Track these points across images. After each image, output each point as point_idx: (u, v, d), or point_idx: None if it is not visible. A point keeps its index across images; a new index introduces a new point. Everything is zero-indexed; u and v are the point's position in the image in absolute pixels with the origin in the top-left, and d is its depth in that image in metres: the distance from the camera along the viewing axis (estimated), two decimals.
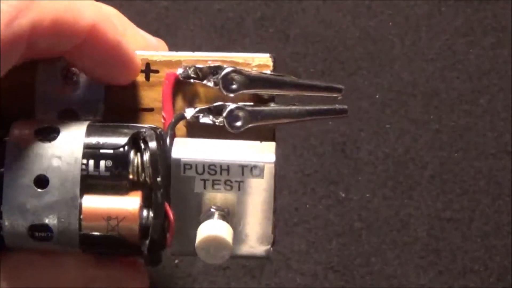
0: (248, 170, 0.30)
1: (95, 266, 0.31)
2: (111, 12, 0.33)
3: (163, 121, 0.32)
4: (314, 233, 0.45)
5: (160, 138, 0.31)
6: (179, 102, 0.33)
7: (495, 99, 0.48)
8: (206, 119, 0.32)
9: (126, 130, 0.30)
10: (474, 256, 0.45)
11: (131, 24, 0.34)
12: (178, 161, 0.30)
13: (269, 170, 0.30)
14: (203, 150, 0.31)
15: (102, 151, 0.30)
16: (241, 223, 0.31)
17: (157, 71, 0.33)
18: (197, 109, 0.32)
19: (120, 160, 0.30)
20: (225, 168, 0.30)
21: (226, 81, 0.32)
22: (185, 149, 0.31)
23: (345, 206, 0.46)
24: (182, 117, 0.32)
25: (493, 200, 0.46)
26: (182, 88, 0.33)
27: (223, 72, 0.32)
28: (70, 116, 0.32)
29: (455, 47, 0.48)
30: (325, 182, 0.46)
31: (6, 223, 0.30)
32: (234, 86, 0.32)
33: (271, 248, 0.32)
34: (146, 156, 0.30)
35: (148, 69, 0.33)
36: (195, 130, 0.32)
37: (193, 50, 0.33)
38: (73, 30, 0.30)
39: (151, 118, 0.33)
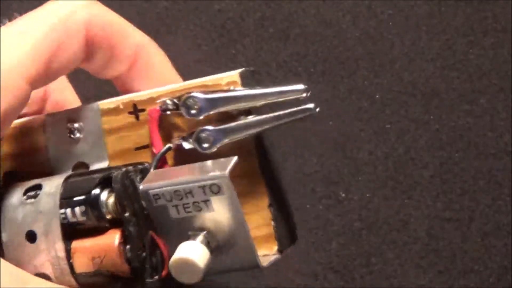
0: (208, 188, 0.31)
1: None
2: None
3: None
4: (314, 233, 0.46)
5: (126, 177, 0.33)
6: (168, 134, 0.34)
7: (495, 99, 0.48)
8: (189, 146, 0.33)
9: (96, 175, 0.33)
10: (474, 256, 0.45)
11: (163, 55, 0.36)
12: (146, 193, 0.32)
13: (225, 184, 0.31)
14: (167, 178, 0.32)
15: (75, 198, 0.32)
16: (222, 238, 0.32)
17: (143, 110, 0.34)
18: (179, 138, 0.34)
19: (92, 203, 0.32)
20: (188, 191, 0.32)
21: (186, 108, 0.33)
22: (153, 181, 0.32)
23: (345, 206, 0.46)
24: (168, 148, 0.33)
25: (493, 200, 0.46)
26: (168, 120, 0.34)
27: (181, 101, 0.33)
28: (82, 168, 0.35)
29: (455, 47, 0.48)
30: (325, 182, 0.46)
31: None
32: (193, 111, 0.33)
33: (258, 256, 0.32)
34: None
35: (136, 109, 0.34)
36: (185, 157, 0.33)
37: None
38: (122, 45, 0.33)
39: (149, 154, 0.34)
